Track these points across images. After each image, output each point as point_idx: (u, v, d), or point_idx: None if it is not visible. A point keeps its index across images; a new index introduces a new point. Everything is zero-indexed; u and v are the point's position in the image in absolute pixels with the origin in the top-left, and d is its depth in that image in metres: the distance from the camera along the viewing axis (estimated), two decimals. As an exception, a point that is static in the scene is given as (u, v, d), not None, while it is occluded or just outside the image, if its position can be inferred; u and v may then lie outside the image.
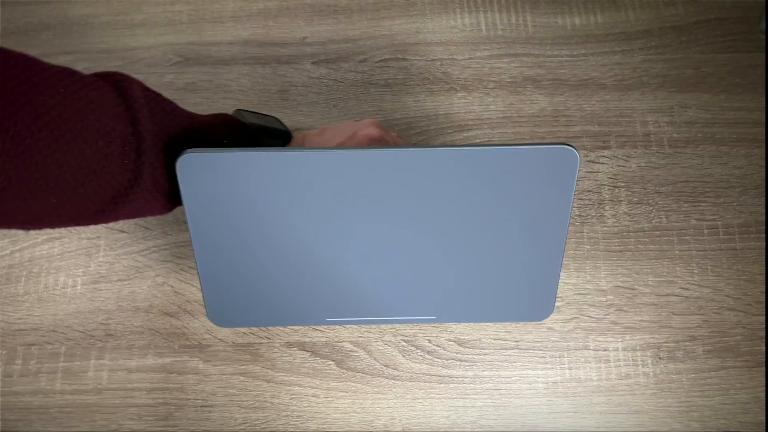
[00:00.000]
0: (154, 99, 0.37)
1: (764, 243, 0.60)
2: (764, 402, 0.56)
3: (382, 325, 0.59)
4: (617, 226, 0.61)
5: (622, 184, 0.62)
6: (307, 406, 0.57)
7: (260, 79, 0.67)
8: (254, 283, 0.38)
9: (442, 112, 0.65)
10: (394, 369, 0.58)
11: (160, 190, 0.37)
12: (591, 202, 0.62)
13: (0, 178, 0.27)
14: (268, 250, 0.36)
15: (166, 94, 0.67)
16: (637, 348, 0.58)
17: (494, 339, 0.58)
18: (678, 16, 0.68)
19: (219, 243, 0.36)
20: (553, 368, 0.58)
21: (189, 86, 0.66)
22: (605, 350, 0.58)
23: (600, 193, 0.62)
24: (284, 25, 0.69)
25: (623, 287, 0.59)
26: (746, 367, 0.57)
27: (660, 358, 0.58)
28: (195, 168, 0.35)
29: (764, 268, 0.60)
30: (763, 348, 0.58)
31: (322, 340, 0.58)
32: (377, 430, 0.56)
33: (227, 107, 0.66)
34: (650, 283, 0.59)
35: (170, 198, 0.39)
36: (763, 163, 0.63)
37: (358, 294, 0.40)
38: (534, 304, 0.41)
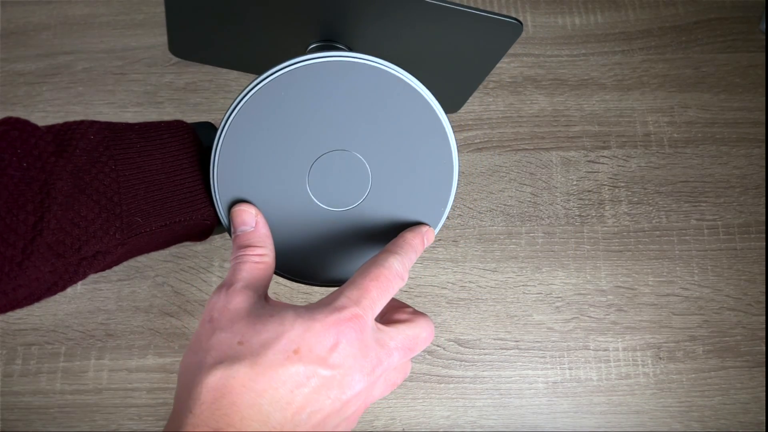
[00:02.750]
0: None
1: (764, 243, 0.60)
2: (764, 402, 0.56)
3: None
4: (617, 226, 0.61)
5: (622, 184, 0.62)
6: (307, 406, 0.57)
7: (260, 79, 0.67)
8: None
9: (442, 112, 0.65)
10: (394, 369, 0.58)
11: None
12: (591, 202, 0.62)
13: None
14: None
15: (166, 94, 0.67)
16: (637, 348, 0.58)
17: (494, 339, 0.58)
18: (678, 16, 0.68)
19: None
20: (553, 368, 0.58)
21: (189, 86, 0.66)
22: (605, 350, 0.58)
23: (600, 193, 0.62)
24: (284, 25, 0.69)
25: (623, 287, 0.59)
26: (746, 367, 0.57)
27: (660, 358, 0.58)
28: None
29: (764, 268, 0.60)
30: (763, 348, 0.58)
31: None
32: (377, 430, 0.56)
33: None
34: (650, 283, 0.59)
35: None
36: (763, 163, 0.63)
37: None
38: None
